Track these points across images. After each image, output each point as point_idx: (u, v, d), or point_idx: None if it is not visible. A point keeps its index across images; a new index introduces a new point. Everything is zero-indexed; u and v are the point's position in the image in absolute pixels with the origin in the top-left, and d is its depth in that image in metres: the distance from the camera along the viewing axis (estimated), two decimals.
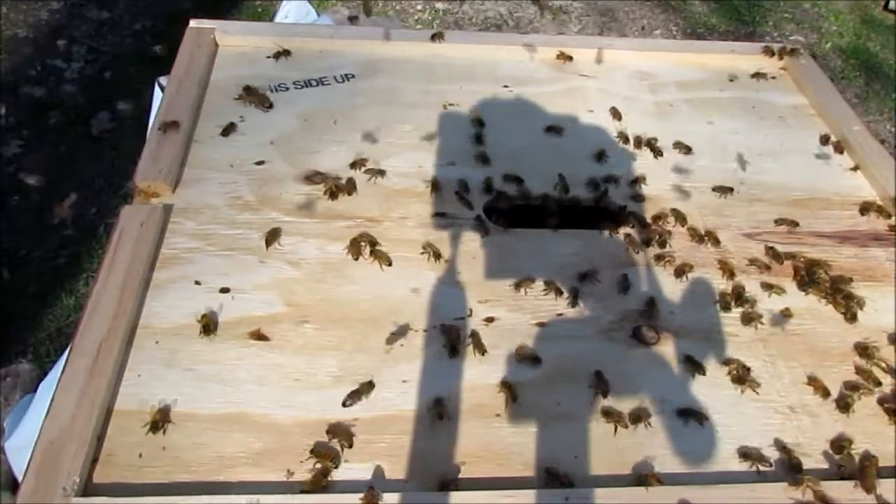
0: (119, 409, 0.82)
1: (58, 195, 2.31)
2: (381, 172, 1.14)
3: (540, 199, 1.15)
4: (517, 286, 1.00)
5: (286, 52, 1.35)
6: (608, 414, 0.86)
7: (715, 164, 1.25)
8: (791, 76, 1.48)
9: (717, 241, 1.10)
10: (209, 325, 0.90)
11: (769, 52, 1.50)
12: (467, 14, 3.51)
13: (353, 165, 1.15)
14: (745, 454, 0.84)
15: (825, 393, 0.92)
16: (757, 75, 1.45)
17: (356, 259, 1.01)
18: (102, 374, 0.82)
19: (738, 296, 1.02)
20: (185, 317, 0.92)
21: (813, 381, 0.93)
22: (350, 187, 1.10)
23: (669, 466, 0.83)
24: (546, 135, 1.26)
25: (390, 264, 1.01)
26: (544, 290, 1.00)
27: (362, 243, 1.02)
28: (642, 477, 0.80)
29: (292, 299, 0.96)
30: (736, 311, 1.01)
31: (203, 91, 1.25)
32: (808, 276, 1.06)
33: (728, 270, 1.05)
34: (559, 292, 0.99)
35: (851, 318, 1.01)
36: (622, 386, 0.90)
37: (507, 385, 0.88)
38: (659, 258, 1.07)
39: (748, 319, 0.99)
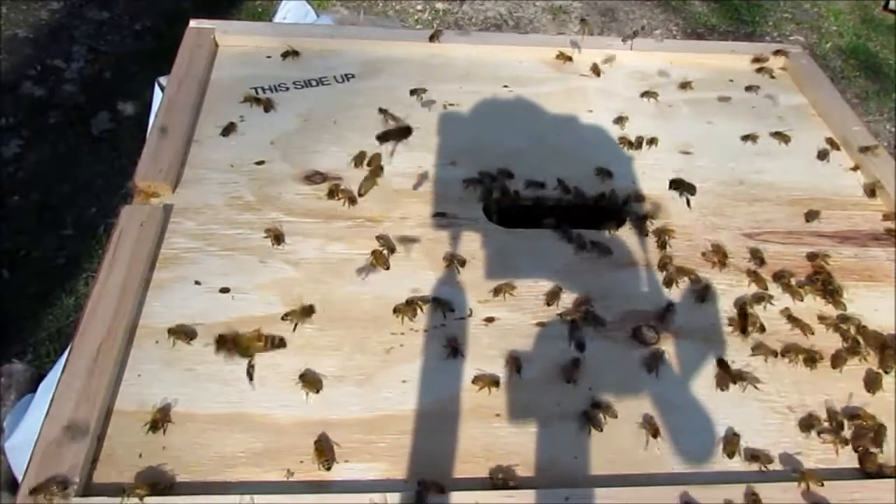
0: (119, 409, 0.82)
1: (58, 195, 2.32)
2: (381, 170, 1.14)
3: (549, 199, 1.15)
4: (496, 292, 0.99)
5: (294, 53, 1.35)
6: (590, 417, 0.85)
7: (715, 164, 1.25)
8: (791, 76, 1.48)
9: (722, 253, 1.08)
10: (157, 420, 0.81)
11: (760, 60, 1.48)
12: (467, 14, 3.51)
13: (360, 160, 1.15)
14: (754, 456, 0.84)
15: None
16: (751, 88, 1.44)
17: (386, 269, 1.00)
18: (102, 374, 0.82)
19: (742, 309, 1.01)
20: (185, 317, 0.92)
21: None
22: (351, 197, 1.10)
23: (669, 466, 0.83)
24: (546, 136, 1.26)
25: (387, 268, 1.01)
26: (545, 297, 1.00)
27: (383, 251, 1.02)
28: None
29: (292, 299, 0.96)
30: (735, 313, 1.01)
31: (203, 91, 1.25)
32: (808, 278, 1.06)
33: (723, 265, 1.06)
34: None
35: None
36: (622, 386, 0.90)
37: (514, 359, 0.89)
38: (659, 258, 1.06)
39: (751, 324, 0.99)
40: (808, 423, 0.88)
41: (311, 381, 0.86)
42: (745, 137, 1.30)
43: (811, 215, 1.16)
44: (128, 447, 0.79)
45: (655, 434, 0.85)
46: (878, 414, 0.90)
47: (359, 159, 1.15)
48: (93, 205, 2.32)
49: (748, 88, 1.43)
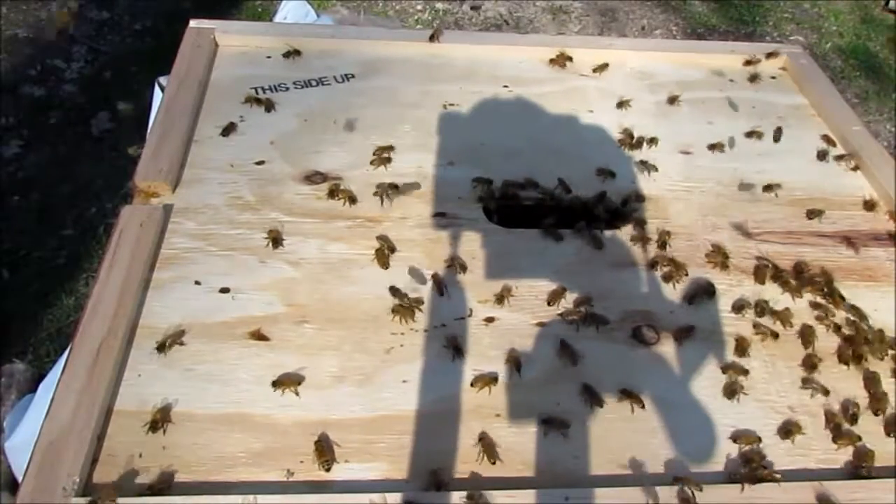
0: (119, 408, 0.82)
1: (58, 195, 2.32)
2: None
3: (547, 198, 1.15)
4: (499, 300, 0.98)
5: (296, 52, 1.35)
6: (549, 422, 0.85)
7: (715, 164, 1.25)
8: (791, 76, 1.48)
9: (722, 253, 1.08)
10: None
11: (752, 63, 1.47)
12: (467, 14, 3.51)
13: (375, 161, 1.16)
14: (748, 459, 0.84)
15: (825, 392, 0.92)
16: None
17: (385, 269, 1.00)
18: (102, 374, 0.82)
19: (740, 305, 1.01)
20: (184, 317, 0.92)
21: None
22: (352, 197, 1.09)
23: (669, 466, 0.83)
24: (546, 136, 1.27)
25: (386, 268, 1.01)
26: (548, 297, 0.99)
27: (384, 250, 1.02)
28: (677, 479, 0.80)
29: (292, 299, 0.96)
30: (737, 313, 1.01)
31: (203, 91, 1.25)
32: (798, 277, 1.06)
33: (725, 267, 1.06)
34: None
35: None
36: (622, 386, 0.90)
37: (514, 359, 0.90)
38: (659, 258, 1.06)
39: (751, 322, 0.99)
40: (801, 425, 0.88)
41: (285, 381, 0.85)
42: (712, 146, 1.28)
43: (813, 213, 1.16)
44: (128, 447, 0.79)
45: (641, 405, 0.87)
46: None
47: (377, 152, 1.17)
48: (93, 205, 2.32)
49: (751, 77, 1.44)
